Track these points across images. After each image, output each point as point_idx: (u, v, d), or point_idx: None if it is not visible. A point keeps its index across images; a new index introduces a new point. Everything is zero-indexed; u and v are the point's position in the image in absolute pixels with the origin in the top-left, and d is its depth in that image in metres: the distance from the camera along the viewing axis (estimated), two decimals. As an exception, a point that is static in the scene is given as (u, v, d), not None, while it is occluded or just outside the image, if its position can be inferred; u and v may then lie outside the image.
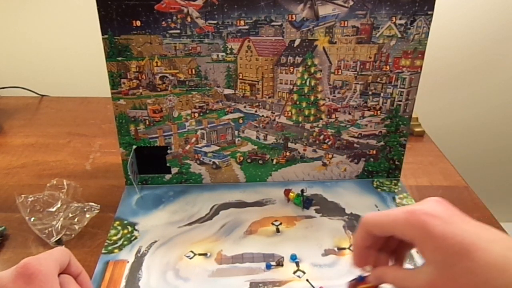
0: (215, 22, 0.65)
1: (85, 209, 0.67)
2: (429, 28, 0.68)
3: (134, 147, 0.74)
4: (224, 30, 0.66)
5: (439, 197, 0.39)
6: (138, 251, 0.63)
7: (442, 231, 0.35)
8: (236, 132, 0.75)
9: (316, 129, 0.76)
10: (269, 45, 0.68)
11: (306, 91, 0.72)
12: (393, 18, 0.67)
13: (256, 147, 0.76)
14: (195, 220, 0.69)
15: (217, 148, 0.76)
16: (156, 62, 0.68)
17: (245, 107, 0.73)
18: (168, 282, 0.58)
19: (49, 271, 0.39)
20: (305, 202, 0.72)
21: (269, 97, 0.72)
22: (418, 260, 0.61)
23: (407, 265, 0.42)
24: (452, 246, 0.35)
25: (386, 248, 0.43)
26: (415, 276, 0.38)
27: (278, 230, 0.68)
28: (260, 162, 0.77)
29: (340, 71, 0.71)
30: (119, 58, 0.67)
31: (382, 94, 0.73)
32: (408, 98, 0.73)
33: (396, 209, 0.40)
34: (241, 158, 0.77)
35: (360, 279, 0.44)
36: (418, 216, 0.37)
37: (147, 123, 0.72)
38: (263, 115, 0.74)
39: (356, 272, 0.45)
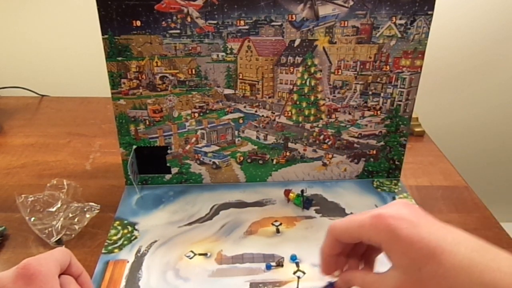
0: (215, 22, 0.65)
1: (85, 209, 0.67)
2: (429, 28, 0.68)
3: (134, 147, 0.74)
4: (224, 30, 0.66)
5: (405, 200, 0.39)
6: (138, 251, 0.63)
7: (408, 234, 0.35)
8: (236, 132, 0.75)
9: (316, 129, 0.76)
10: (269, 45, 0.68)
11: (306, 91, 0.72)
12: (393, 18, 0.67)
13: (256, 147, 0.76)
14: (195, 220, 0.69)
15: (217, 148, 0.76)
16: (156, 62, 0.68)
17: (245, 107, 0.73)
18: (168, 282, 0.58)
19: (50, 272, 0.39)
20: (305, 202, 0.72)
21: (269, 97, 0.72)
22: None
23: (379, 269, 0.42)
24: (419, 249, 0.35)
25: (355, 253, 0.43)
26: (383, 280, 0.38)
27: (278, 231, 0.68)
28: (260, 162, 0.77)
29: (340, 71, 0.71)
30: (119, 58, 0.67)
31: (382, 94, 0.73)
32: (408, 98, 0.73)
33: (362, 213, 0.39)
34: (241, 158, 0.77)
35: (329, 286, 0.44)
36: (384, 219, 0.37)
37: (147, 123, 0.72)
38: (263, 115, 0.74)
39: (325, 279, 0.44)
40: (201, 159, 0.76)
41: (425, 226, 0.36)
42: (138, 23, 0.64)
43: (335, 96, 0.73)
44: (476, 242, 0.35)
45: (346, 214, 0.71)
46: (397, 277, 0.36)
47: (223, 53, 0.68)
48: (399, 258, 0.36)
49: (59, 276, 0.41)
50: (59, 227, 0.64)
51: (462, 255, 0.34)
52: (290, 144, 0.76)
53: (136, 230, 0.67)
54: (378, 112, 0.75)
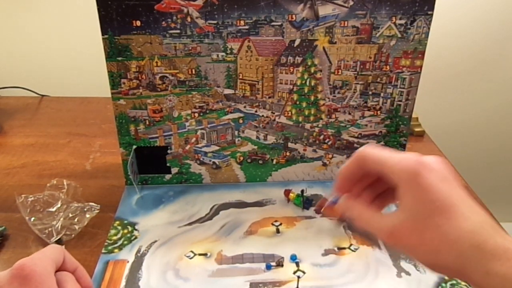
0: (215, 22, 0.65)
1: (85, 209, 0.67)
2: (429, 28, 0.68)
3: (134, 147, 0.74)
4: (224, 30, 0.66)
5: (443, 158, 0.38)
6: (138, 251, 0.63)
7: (430, 184, 0.35)
8: (236, 132, 0.75)
9: (316, 129, 0.76)
10: (269, 45, 0.68)
11: (306, 91, 0.72)
12: (393, 18, 0.67)
13: (256, 147, 0.76)
14: (195, 220, 0.69)
15: (217, 148, 0.76)
16: (156, 62, 0.68)
17: (245, 107, 0.73)
18: (168, 282, 0.58)
19: (45, 271, 0.39)
20: (305, 202, 0.72)
21: (269, 97, 0.72)
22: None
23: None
24: (435, 200, 0.35)
25: (369, 193, 0.43)
26: (381, 220, 0.38)
27: (278, 231, 0.67)
28: (260, 162, 0.77)
29: (340, 71, 0.71)
30: (119, 58, 0.67)
31: (382, 94, 0.73)
32: (408, 98, 0.73)
33: (396, 151, 0.39)
34: (241, 158, 0.77)
35: (333, 202, 0.44)
36: (413, 162, 0.36)
37: (147, 123, 0.72)
38: (263, 115, 0.74)
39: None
40: (201, 159, 0.76)
41: (450, 184, 0.36)
42: (138, 23, 0.64)
43: (335, 96, 0.73)
44: (491, 220, 0.35)
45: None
46: (400, 219, 0.36)
47: (223, 53, 0.68)
48: (412, 201, 0.36)
49: (56, 273, 0.41)
50: (59, 227, 0.64)
51: (472, 221, 0.34)
52: (290, 144, 0.76)
53: (136, 230, 0.67)
54: (378, 112, 0.75)
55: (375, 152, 0.40)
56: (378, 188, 0.42)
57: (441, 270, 0.36)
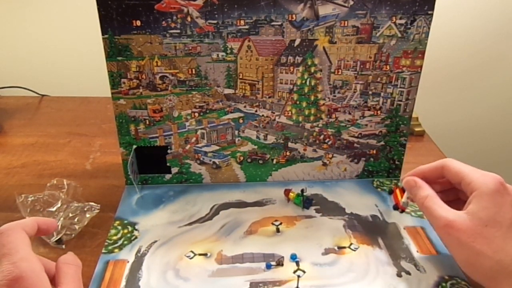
0: (215, 22, 0.65)
1: (85, 209, 0.67)
2: (429, 28, 0.68)
3: (134, 147, 0.74)
4: (224, 30, 0.66)
5: None
6: (138, 251, 0.63)
7: (505, 203, 0.39)
8: (236, 132, 0.75)
9: (316, 129, 0.76)
10: (269, 45, 0.68)
11: (306, 91, 0.72)
12: (393, 18, 0.67)
13: (256, 147, 0.76)
14: (195, 220, 0.69)
15: (217, 148, 0.76)
16: (156, 62, 0.68)
17: (245, 106, 0.73)
18: (168, 282, 0.58)
19: (32, 273, 0.36)
20: (305, 202, 0.72)
21: (269, 97, 0.72)
22: (415, 254, 0.61)
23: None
24: (505, 218, 0.38)
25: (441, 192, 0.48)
26: (446, 211, 0.42)
27: (278, 230, 0.68)
28: (260, 162, 0.77)
29: (340, 71, 0.71)
30: (119, 58, 0.67)
31: (382, 94, 0.73)
32: (408, 98, 0.74)
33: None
34: (241, 158, 0.77)
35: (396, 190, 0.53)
36: (496, 179, 0.41)
37: (147, 123, 0.72)
38: (263, 115, 0.74)
39: None
40: (201, 159, 0.76)
41: None
42: (138, 23, 0.64)
43: (335, 96, 0.73)
44: None
45: (346, 214, 0.71)
46: (463, 217, 0.41)
47: (223, 53, 0.68)
48: (482, 209, 0.40)
49: (57, 265, 0.40)
50: (59, 227, 0.64)
51: None
52: (290, 144, 0.76)
53: (136, 230, 0.67)
54: (378, 112, 0.75)
55: (459, 163, 0.45)
56: (443, 197, 0.47)
57: (473, 274, 0.39)
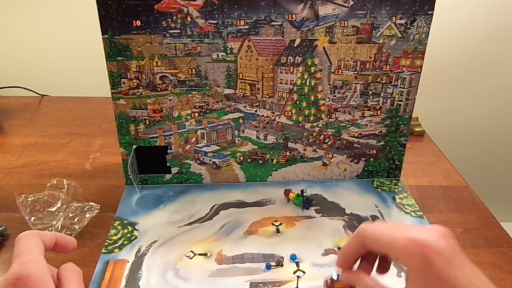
0: (215, 22, 0.65)
1: (85, 209, 0.67)
2: (429, 28, 0.68)
3: (134, 147, 0.74)
4: (224, 30, 0.66)
5: (443, 228, 0.38)
6: (138, 251, 0.63)
7: (440, 272, 0.36)
8: (236, 132, 0.75)
9: (316, 129, 0.76)
10: (269, 45, 0.68)
11: (306, 91, 0.72)
12: (393, 18, 0.67)
13: (256, 147, 0.76)
14: (195, 220, 0.69)
15: (217, 148, 0.76)
16: (156, 62, 0.68)
17: (245, 107, 0.73)
18: (168, 282, 0.58)
19: (40, 274, 0.38)
20: (305, 202, 0.72)
21: (269, 97, 0.72)
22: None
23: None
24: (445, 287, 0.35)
25: (372, 255, 0.43)
26: None
27: (278, 231, 0.67)
28: (260, 162, 0.77)
29: (340, 71, 0.71)
30: (119, 58, 0.67)
31: (382, 94, 0.73)
32: (408, 98, 0.73)
33: (396, 229, 0.39)
34: (241, 158, 0.77)
35: (332, 281, 0.45)
36: (420, 248, 0.36)
37: (147, 123, 0.72)
38: (263, 115, 0.74)
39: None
40: (201, 159, 0.76)
41: (458, 267, 0.36)
42: (138, 23, 0.64)
43: (335, 96, 0.73)
44: None
45: (346, 214, 0.71)
46: None
47: (223, 53, 0.68)
48: (419, 285, 0.36)
49: (58, 271, 0.40)
50: (59, 227, 0.64)
51: None
52: (290, 144, 0.76)
53: (136, 230, 0.67)
54: (378, 112, 0.75)
55: (376, 234, 0.40)
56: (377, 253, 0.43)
57: None
